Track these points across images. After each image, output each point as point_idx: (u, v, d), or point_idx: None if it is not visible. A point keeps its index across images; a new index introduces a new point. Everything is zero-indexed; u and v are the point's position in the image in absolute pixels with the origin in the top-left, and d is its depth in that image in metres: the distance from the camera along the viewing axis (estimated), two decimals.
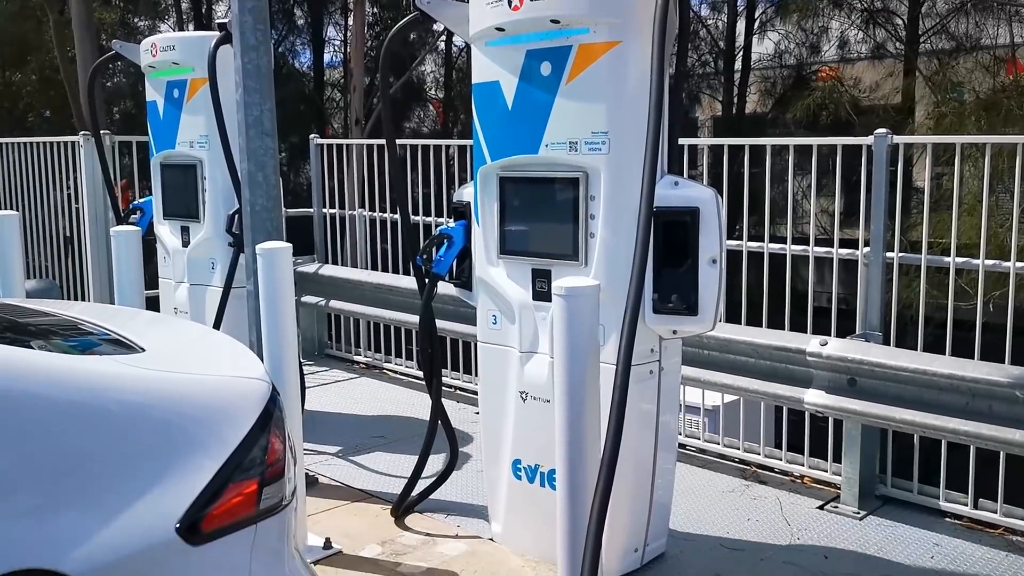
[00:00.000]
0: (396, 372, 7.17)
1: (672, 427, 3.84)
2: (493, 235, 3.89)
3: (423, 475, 4.31)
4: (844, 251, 4.75)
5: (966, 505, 4.34)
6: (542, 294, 3.77)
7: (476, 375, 6.62)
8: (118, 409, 1.77)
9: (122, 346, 2.20)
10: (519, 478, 3.91)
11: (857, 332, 4.58)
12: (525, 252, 3.81)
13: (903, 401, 4.22)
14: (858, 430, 4.48)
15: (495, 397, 4.00)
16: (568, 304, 2.86)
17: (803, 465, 4.89)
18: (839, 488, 4.71)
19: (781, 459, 4.97)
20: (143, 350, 2.11)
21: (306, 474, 4.70)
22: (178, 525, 1.75)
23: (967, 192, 7.36)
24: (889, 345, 4.46)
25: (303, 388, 5.39)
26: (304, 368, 7.53)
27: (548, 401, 3.76)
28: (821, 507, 4.53)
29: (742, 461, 5.10)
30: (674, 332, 3.60)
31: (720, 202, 3.45)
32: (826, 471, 4.80)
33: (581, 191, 3.57)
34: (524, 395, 3.85)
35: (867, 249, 4.58)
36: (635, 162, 3.52)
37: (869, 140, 4.48)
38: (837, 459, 4.77)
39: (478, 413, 6.16)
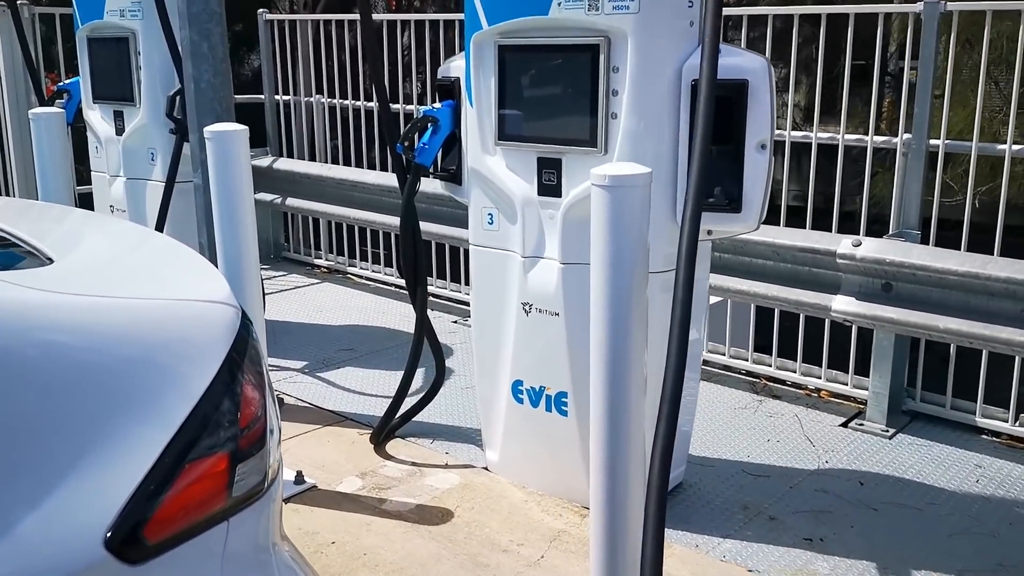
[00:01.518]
0: (361, 277, 6.57)
1: (697, 344, 3.34)
2: (490, 117, 3.26)
3: (407, 396, 3.77)
4: (880, 139, 4.21)
5: (1005, 421, 3.95)
6: (550, 188, 3.17)
7: (454, 280, 6.10)
8: None
9: (28, 257, 1.59)
10: (520, 401, 3.40)
11: (891, 232, 4.08)
12: (529, 137, 3.20)
13: (946, 308, 3.76)
14: (891, 341, 4.03)
15: (491, 310, 3.44)
16: (613, 198, 2.27)
17: (820, 378, 4.46)
18: (862, 403, 4.30)
19: (795, 371, 4.53)
20: (50, 261, 1.48)
21: None
22: (108, 536, 1.12)
23: None
24: (928, 245, 3.97)
25: (262, 296, 4.79)
26: (260, 273, 6.91)
27: (557, 314, 3.22)
28: (845, 424, 4.12)
29: (749, 373, 4.66)
30: (709, 232, 3.05)
31: (772, 74, 2.86)
32: (846, 384, 4.38)
33: (602, 61, 2.94)
34: (527, 307, 3.29)
35: (908, 136, 4.04)
36: (670, 24, 2.91)
37: (917, 7, 3.88)
38: (857, 371, 4.35)
39: (456, 322, 5.66)
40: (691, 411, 3.41)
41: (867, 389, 4.29)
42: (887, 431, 4.01)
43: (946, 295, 3.76)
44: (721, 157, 2.92)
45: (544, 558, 3.00)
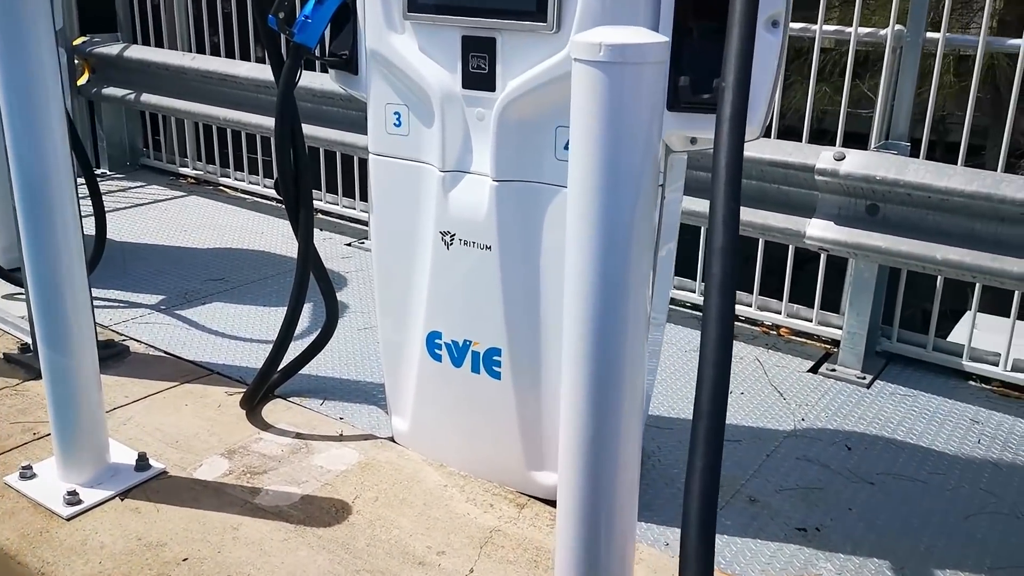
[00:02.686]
0: (236, 190, 5.58)
1: (668, 275, 2.61)
2: None
3: (289, 345, 2.94)
4: (865, 29, 3.50)
5: (996, 365, 3.41)
6: (479, 78, 2.34)
7: (347, 195, 5.18)
8: None
9: None
10: (437, 358, 2.62)
11: (875, 144, 3.42)
12: (451, 7, 2.33)
13: (945, 236, 3.15)
14: (872, 273, 3.41)
15: (398, 240, 2.62)
16: (611, 81, 1.47)
17: (779, 313, 3.84)
18: (827, 343, 3.71)
19: (750, 305, 3.90)
20: None
21: (108, 342, 3.24)
22: None
23: None
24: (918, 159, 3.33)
25: (100, 210, 3.81)
26: (110, 183, 5.88)
27: (488, 248, 2.43)
28: (814, 369, 3.52)
29: (696, 307, 4.00)
30: (693, 141, 2.28)
31: None
32: (810, 321, 3.77)
33: None
34: (448, 238, 2.49)
35: (901, 27, 3.35)
36: None
37: None
38: (822, 306, 3.74)
39: (351, 245, 4.79)
40: (655, 358, 2.71)
41: (833, 327, 3.70)
42: (863, 378, 3.42)
43: (945, 220, 3.15)
44: (715, 37, 2.14)
45: (474, 571, 2.28)
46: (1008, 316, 3.39)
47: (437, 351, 2.61)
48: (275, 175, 2.88)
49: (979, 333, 3.49)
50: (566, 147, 2.27)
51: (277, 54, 2.80)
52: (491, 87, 2.33)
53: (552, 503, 2.53)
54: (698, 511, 1.40)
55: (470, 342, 2.54)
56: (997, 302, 3.78)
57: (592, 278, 1.67)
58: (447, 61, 2.38)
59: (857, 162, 3.21)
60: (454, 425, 2.67)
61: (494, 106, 2.32)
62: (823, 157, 3.26)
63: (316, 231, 4.82)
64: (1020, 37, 3.14)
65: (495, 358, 2.51)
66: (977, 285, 3.35)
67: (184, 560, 2.26)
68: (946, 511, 2.64)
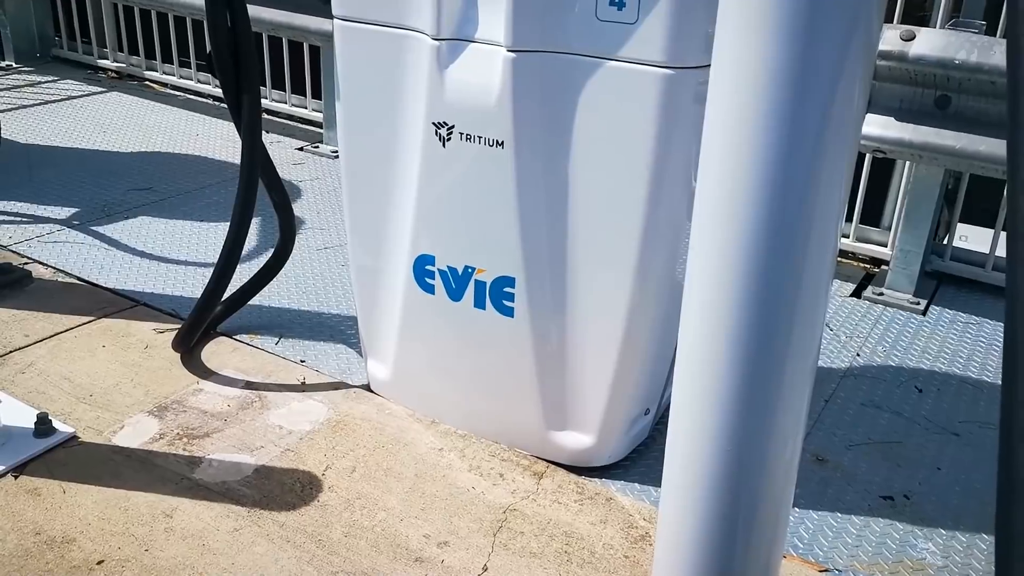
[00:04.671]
0: (165, 85, 4.82)
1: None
2: None
3: (233, 270, 2.31)
4: None
5: None
6: None
7: (297, 92, 4.43)
8: None
9: None
10: (429, 289, 2.03)
11: (946, 23, 2.85)
12: None
13: None
14: (937, 179, 2.88)
15: (375, 135, 2.00)
16: None
17: (847, 237, 3.30)
18: (866, 263, 3.21)
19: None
20: None
21: (5, 265, 2.59)
22: None
23: None
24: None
25: None
26: (17, 76, 4.95)
27: (500, 144, 1.82)
28: (856, 293, 3.01)
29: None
30: None
31: None
32: (847, 237, 3.25)
33: None
34: (444, 131, 1.87)
35: None
36: None
37: None
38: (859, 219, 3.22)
39: (304, 149, 4.09)
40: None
41: (874, 243, 3.19)
42: (917, 303, 2.93)
43: None
44: None
45: (488, 569, 1.74)
46: None
47: (429, 280, 2.02)
48: (208, 49, 2.21)
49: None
50: (612, 2, 1.65)
51: None
52: None
53: (578, 471, 2.01)
54: None
55: (472, 269, 1.95)
56: None
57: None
58: None
59: (931, 43, 2.64)
60: (450, 373, 2.10)
61: None
62: (887, 37, 2.68)
63: (264, 132, 4.16)
64: None
65: (507, 290, 1.93)
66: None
67: (99, 563, 1.68)
68: None
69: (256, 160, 2.23)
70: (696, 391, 1.34)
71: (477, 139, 1.84)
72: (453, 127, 1.86)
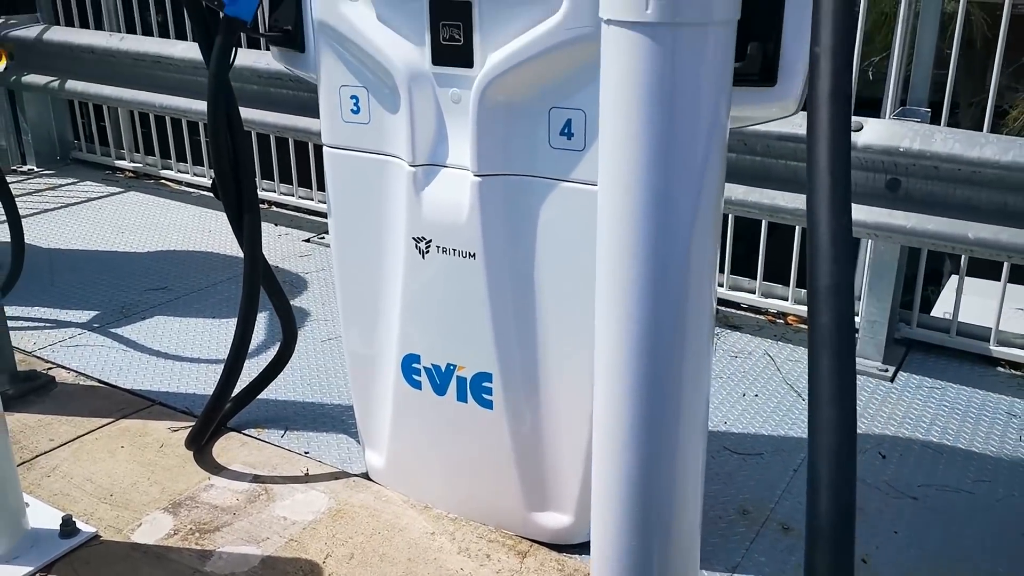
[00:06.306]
0: (179, 183, 5.11)
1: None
2: None
3: (240, 371, 2.52)
4: None
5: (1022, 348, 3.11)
6: (453, 52, 1.93)
7: (303, 185, 4.71)
8: None
9: None
10: (416, 386, 2.23)
11: (892, 112, 3.07)
12: None
13: (975, 212, 2.82)
14: (894, 255, 3.07)
15: (363, 247, 2.22)
16: (663, 48, 1.08)
17: (785, 300, 3.50)
18: None
19: (754, 292, 3.55)
20: None
21: (31, 373, 2.81)
22: None
23: None
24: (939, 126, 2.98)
25: (15, 216, 3.34)
26: (38, 180, 5.19)
27: (472, 256, 2.03)
28: None
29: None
30: None
31: None
32: None
33: None
34: (423, 245, 2.09)
35: None
36: None
37: None
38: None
39: (310, 241, 4.34)
40: None
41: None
42: (886, 370, 3.09)
43: (976, 194, 2.81)
44: None
45: None
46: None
47: (416, 377, 2.22)
48: (211, 175, 2.45)
49: (968, 299, 3.21)
50: (562, 132, 1.88)
51: (206, 31, 2.36)
52: (468, 62, 1.92)
53: (557, 548, 2.17)
54: None
55: (454, 366, 2.15)
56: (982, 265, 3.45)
57: (640, 286, 1.31)
58: (413, 33, 1.97)
59: (877, 132, 2.86)
60: (439, 461, 2.29)
61: (472, 85, 1.91)
62: None
63: (271, 227, 4.41)
64: None
65: (484, 384, 2.12)
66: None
67: None
68: (1001, 527, 2.32)
69: (257, 270, 2.46)
70: (604, 450, 1.53)
71: (451, 251, 2.06)
72: (430, 241, 2.08)
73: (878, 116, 3.05)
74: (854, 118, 2.92)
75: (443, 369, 2.17)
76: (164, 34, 4.84)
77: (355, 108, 2.12)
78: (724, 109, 1.29)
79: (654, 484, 1.49)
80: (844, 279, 1.07)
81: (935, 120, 2.99)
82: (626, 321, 1.40)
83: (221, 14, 2.17)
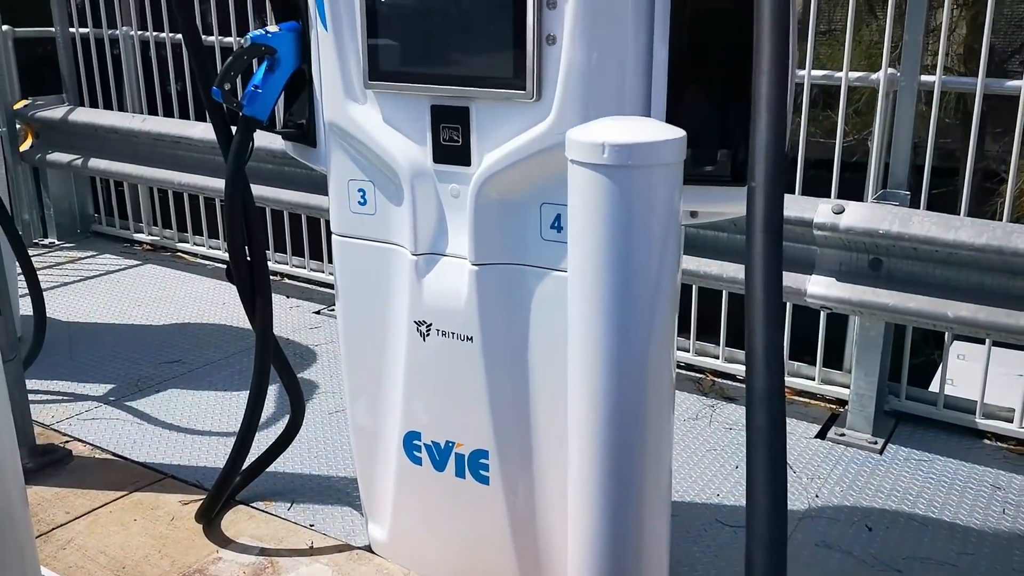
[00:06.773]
0: (195, 255, 5.28)
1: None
2: (355, 43, 2.13)
3: (250, 447, 2.64)
4: (856, 75, 3.30)
5: (1010, 421, 3.20)
6: (452, 152, 2.09)
7: (315, 258, 4.88)
8: None
9: None
10: (417, 462, 2.34)
11: (874, 194, 3.22)
12: (418, 75, 2.08)
13: (953, 291, 2.95)
14: (879, 330, 3.19)
15: (368, 330, 2.35)
16: (622, 186, 1.23)
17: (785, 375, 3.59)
18: (832, 404, 3.49)
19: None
20: None
21: (49, 446, 2.93)
22: None
23: None
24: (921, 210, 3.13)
25: (37, 293, 3.49)
26: (59, 253, 5.38)
27: (469, 339, 2.16)
28: (821, 434, 3.28)
29: (691, 367, 3.76)
30: (693, 215, 2.04)
31: None
32: (812, 380, 3.54)
33: None
34: (424, 328, 2.22)
35: (894, 71, 3.16)
36: None
37: None
38: (824, 363, 3.52)
39: (320, 313, 4.49)
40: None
41: (838, 385, 3.48)
42: (875, 442, 3.19)
43: (954, 274, 2.94)
44: (719, 99, 1.91)
45: None
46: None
47: (416, 454, 2.33)
48: (226, 250, 2.60)
49: (970, 364, 3.31)
50: (552, 226, 2.03)
51: (225, 126, 2.53)
52: (466, 161, 2.08)
53: None
54: None
55: (453, 444, 2.27)
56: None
57: (604, 392, 1.43)
58: (415, 133, 2.13)
59: (857, 215, 3.00)
60: (439, 535, 2.39)
61: (470, 182, 2.07)
62: (821, 211, 3.05)
63: (283, 299, 4.56)
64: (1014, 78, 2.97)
65: (482, 461, 2.24)
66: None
67: None
68: None
69: (269, 351, 2.59)
70: (577, 513, 1.63)
71: (451, 334, 2.19)
72: (431, 324, 2.21)
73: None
74: (835, 201, 3.07)
75: (442, 446, 2.28)
76: (183, 102, 5.04)
77: (362, 200, 2.27)
78: (674, 238, 1.43)
79: (620, 544, 1.60)
80: (775, 385, 1.19)
81: (916, 200, 3.13)
82: (592, 399, 1.53)
83: (240, 114, 2.35)
